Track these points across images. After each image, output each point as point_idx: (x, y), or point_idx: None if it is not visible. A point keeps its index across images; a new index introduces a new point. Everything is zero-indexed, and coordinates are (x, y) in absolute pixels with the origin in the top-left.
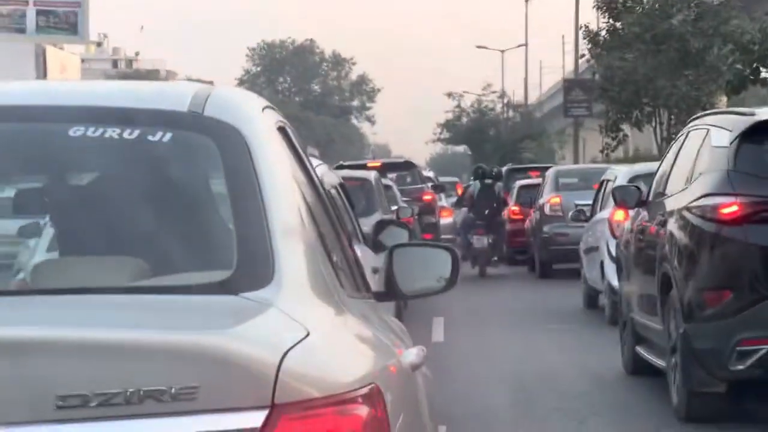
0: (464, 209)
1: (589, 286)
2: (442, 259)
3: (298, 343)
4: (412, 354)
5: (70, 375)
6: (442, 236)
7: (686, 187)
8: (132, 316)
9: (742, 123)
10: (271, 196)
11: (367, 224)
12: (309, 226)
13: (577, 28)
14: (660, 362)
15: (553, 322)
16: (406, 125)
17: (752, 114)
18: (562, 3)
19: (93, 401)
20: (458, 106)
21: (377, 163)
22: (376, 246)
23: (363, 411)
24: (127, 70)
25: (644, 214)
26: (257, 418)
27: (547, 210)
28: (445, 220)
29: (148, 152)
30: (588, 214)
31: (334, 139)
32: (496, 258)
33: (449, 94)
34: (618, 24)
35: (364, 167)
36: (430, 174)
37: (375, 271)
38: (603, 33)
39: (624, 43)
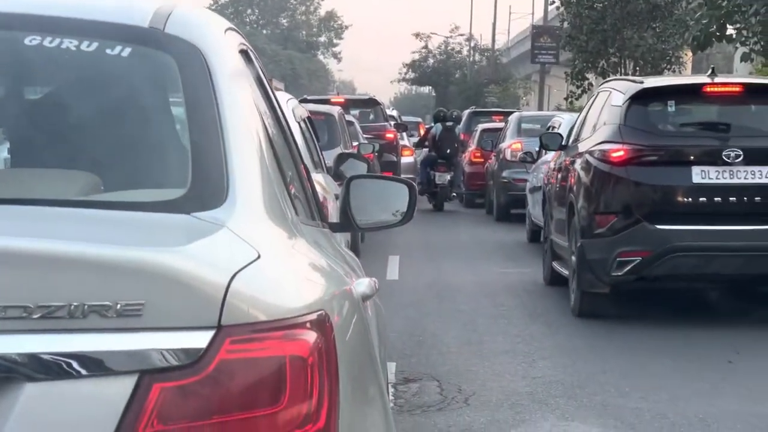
0: (425, 149)
1: (533, 222)
2: (399, 193)
3: (248, 265)
4: (363, 284)
5: (12, 285)
6: (402, 175)
7: (591, 136)
8: (80, 230)
9: (633, 88)
10: (229, 118)
11: (328, 158)
12: (267, 151)
13: None
14: (566, 272)
15: (503, 263)
16: (372, 63)
17: (641, 82)
18: None
19: (35, 313)
20: (425, 47)
21: (341, 99)
22: (336, 176)
23: (310, 337)
24: None
25: (563, 155)
26: (203, 338)
27: (507, 155)
28: (406, 159)
29: (105, 66)
30: (535, 156)
31: (300, 74)
32: (454, 194)
33: (417, 35)
34: None
35: (327, 102)
36: (394, 113)
37: (337, 197)
38: None
39: None
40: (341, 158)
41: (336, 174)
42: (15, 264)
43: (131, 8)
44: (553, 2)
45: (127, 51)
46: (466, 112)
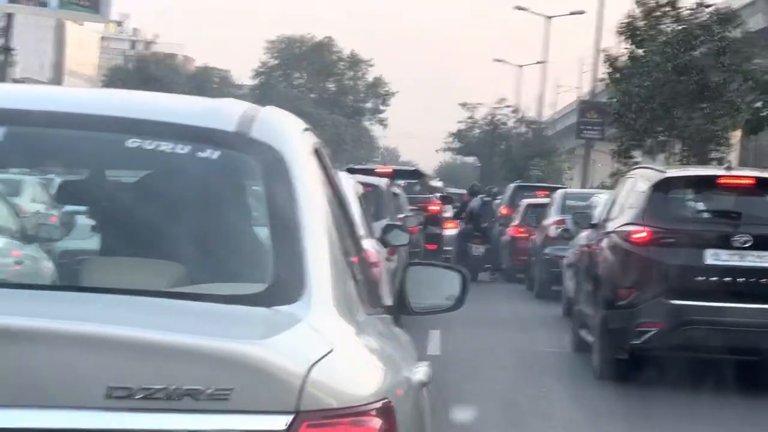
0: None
1: (569, 297)
2: (452, 279)
3: (323, 357)
4: (421, 372)
5: (120, 369)
6: (445, 248)
7: (617, 217)
8: (176, 321)
9: (655, 177)
10: (306, 217)
11: (375, 229)
12: (338, 248)
13: (597, 50)
14: (590, 338)
15: (545, 341)
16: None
17: (663, 172)
18: (583, 23)
19: (138, 394)
20: (471, 117)
21: (388, 170)
22: (383, 244)
23: (376, 423)
24: (144, 51)
25: (593, 233)
26: (282, 421)
27: (551, 231)
28: (450, 231)
29: (195, 167)
30: (574, 233)
31: (345, 140)
32: (489, 265)
33: (463, 104)
34: (640, 51)
35: (373, 172)
36: (439, 184)
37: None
38: (623, 58)
39: (643, 71)
40: (387, 228)
41: (382, 241)
42: (123, 350)
43: (219, 112)
44: (603, 79)
45: (216, 154)
46: (511, 186)
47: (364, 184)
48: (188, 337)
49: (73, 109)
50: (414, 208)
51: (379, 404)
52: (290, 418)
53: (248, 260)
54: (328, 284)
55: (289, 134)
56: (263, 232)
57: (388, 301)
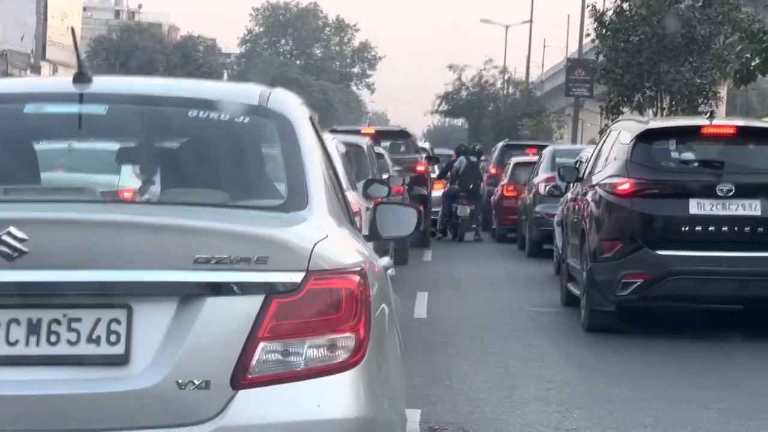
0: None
1: (560, 254)
2: (411, 215)
3: (322, 239)
4: (384, 261)
5: (200, 246)
6: (433, 209)
7: (602, 170)
8: (233, 218)
9: (639, 128)
10: (306, 159)
11: (357, 187)
12: (327, 178)
13: (583, 7)
14: (578, 292)
15: (535, 301)
16: (405, 95)
17: (647, 122)
18: None
19: (213, 260)
20: (459, 78)
21: (371, 130)
22: (365, 197)
23: (356, 278)
24: (128, 21)
25: (579, 187)
26: (299, 276)
27: (541, 189)
28: (437, 192)
29: (235, 128)
30: (563, 190)
31: (333, 105)
32: (474, 225)
33: (450, 67)
34: (625, 5)
35: (357, 133)
36: (426, 145)
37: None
38: (609, 13)
39: (630, 26)
40: (367, 183)
41: (364, 195)
42: (202, 235)
43: (246, 91)
44: (588, 35)
45: (247, 119)
46: (499, 145)
47: (346, 144)
48: (241, 226)
49: (154, 93)
50: (399, 168)
51: (358, 268)
52: (303, 274)
53: (271, 186)
54: (323, 200)
55: (293, 106)
56: (280, 168)
57: (365, 232)
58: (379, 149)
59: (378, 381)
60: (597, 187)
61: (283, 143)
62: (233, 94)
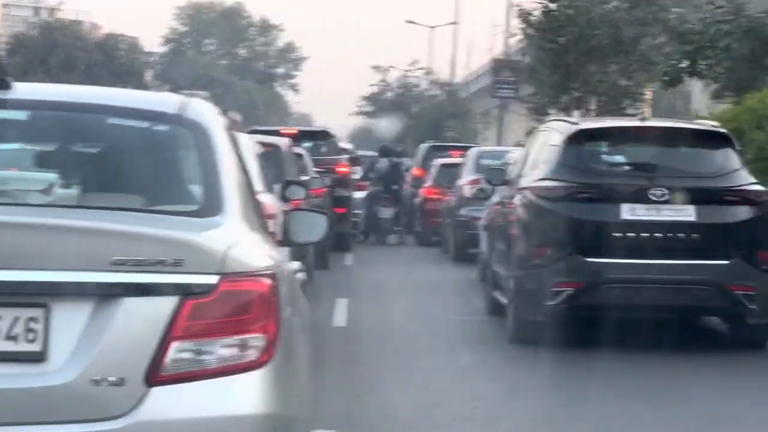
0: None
1: (486, 260)
2: (321, 221)
3: (234, 244)
4: (294, 264)
5: (118, 248)
6: (356, 210)
7: (530, 173)
8: (151, 222)
9: (568, 129)
10: (221, 166)
11: (275, 189)
12: (242, 185)
13: (510, 6)
14: (504, 300)
15: (461, 309)
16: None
17: (576, 123)
18: None
19: (130, 263)
20: (383, 80)
21: (292, 130)
22: (283, 199)
23: (267, 281)
24: (48, 19)
25: (506, 190)
26: (214, 278)
27: (465, 192)
28: (359, 194)
29: (153, 135)
30: (489, 193)
31: (257, 105)
32: (396, 228)
33: (376, 67)
34: (552, 5)
35: (277, 133)
36: (348, 146)
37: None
38: (536, 13)
39: (557, 26)
40: (285, 185)
41: (282, 197)
42: (123, 238)
43: (165, 101)
44: (515, 35)
45: (165, 127)
46: (423, 146)
47: (264, 144)
48: (158, 230)
49: (74, 100)
50: (321, 170)
51: (269, 271)
52: (217, 277)
53: (187, 192)
54: (237, 206)
55: (209, 116)
56: (197, 174)
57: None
58: (298, 150)
59: (286, 380)
60: (525, 191)
61: (200, 151)
62: (152, 102)
